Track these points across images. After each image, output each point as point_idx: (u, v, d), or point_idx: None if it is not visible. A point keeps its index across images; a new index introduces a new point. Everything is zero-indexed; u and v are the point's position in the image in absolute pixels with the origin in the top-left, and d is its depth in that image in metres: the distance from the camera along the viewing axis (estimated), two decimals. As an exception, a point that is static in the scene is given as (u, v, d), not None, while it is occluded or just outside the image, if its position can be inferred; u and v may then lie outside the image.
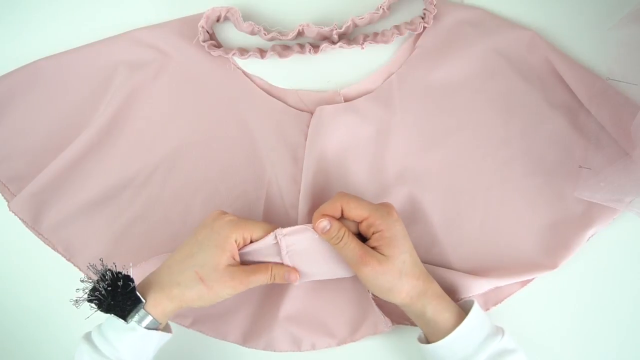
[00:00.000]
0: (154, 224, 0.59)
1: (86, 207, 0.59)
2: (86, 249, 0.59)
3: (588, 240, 0.56)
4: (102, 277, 0.48)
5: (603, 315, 0.57)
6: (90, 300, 0.47)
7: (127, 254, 0.59)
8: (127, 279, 0.48)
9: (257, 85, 0.61)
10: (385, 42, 0.58)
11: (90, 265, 0.49)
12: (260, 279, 0.52)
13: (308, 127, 0.60)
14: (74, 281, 0.57)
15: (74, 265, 0.59)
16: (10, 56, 0.61)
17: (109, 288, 0.47)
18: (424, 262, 0.54)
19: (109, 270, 0.48)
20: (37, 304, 0.62)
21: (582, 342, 0.57)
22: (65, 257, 0.59)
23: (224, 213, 0.53)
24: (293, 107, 0.60)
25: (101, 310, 0.47)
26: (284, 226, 0.53)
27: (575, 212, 0.56)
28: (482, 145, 0.58)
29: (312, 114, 0.60)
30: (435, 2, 0.57)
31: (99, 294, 0.47)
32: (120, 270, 0.48)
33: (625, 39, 0.55)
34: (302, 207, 0.58)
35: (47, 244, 0.59)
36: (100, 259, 0.49)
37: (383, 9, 0.58)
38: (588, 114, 0.56)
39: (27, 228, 0.59)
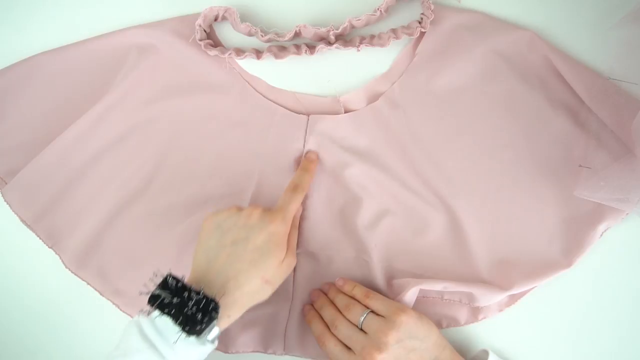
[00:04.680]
0: (138, 216, 0.59)
1: (72, 196, 0.59)
2: (70, 238, 0.59)
3: (601, 236, 0.55)
4: (177, 290, 0.47)
5: (606, 317, 0.57)
6: (163, 311, 0.46)
7: (110, 246, 0.59)
8: (212, 302, 0.47)
9: (255, 85, 0.61)
10: (382, 45, 0.58)
11: (169, 275, 0.48)
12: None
13: (305, 130, 0.59)
14: (74, 281, 0.58)
15: (56, 253, 0.59)
16: (7, 55, 0.62)
17: (179, 300, 0.46)
18: (440, 269, 0.57)
19: (179, 282, 0.47)
20: (37, 304, 0.62)
21: (587, 342, 0.58)
22: (47, 244, 0.59)
23: (251, 209, 0.53)
24: (290, 110, 0.60)
25: (176, 324, 0.46)
26: None
27: (586, 208, 0.56)
28: (488, 148, 0.58)
29: (309, 116, 0.59)
30: (432, 7, 0.57)
31: (174, 306, 0.46)
32: (201, 289, 0.47)
33: (626, 39, 0.54)
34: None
35: (32, 230, 0.59)
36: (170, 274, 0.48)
37: (380, 11, 0.58)
38: (589, 112, 0.56)
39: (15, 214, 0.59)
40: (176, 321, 0.46)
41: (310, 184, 0.57)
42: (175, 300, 0.46)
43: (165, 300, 0.46)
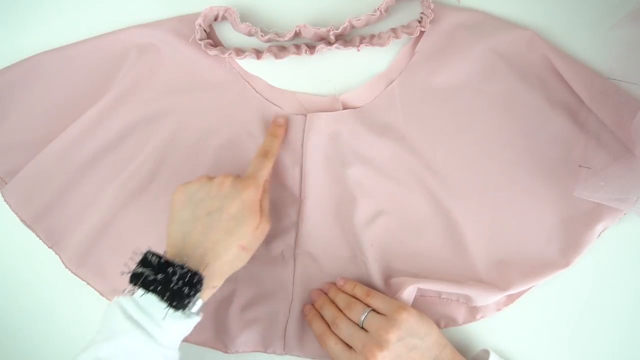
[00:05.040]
0: (138, 216, 0.59)
1: (71, 196, 0.59)
2: (70, 238, 0.59)
3: (599, 236, 0.55)
4: (160, 266, 0.47)
5: (604, 316, 0.58)
6: (147, 289, 0.46)
7: (110, 245, 0.59)
8: (196, 274, 0.47)
9: (255, 85, 0.61)
10: (382, 44, 0.58)
11: (148, 252, 0.47)
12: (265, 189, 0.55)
13: (303, 129, 0.59)
14: (74, 281, 0.58)
15: (55, 252, 0.59)
16: (7, 55, 0.62)
17: (163, 276, 0.46)
18: (437, 269, 0.57)
19: (160, 257, 0.47)
20: (37, 304, 0.62)
21: (586, 342, 0.58)
22: (47, 244, 0.59)
23: (222, 178, 0.52)
24: (290, 109, 0.60)
25: (162, 300, 0.46)
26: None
27: (584, 208, 0.56)
28: (487, 147, 0.58)
29: (306, 116, 0.59)
30: (432, 7, 0.57)
31: (159, 283, 0.46)
32: (184, 263, 0.47)
33: (626, 39, 0.54)
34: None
35: (31, 230, 0.59)
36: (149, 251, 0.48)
37: (380, 11, 0.58)
38: (588, 112, 0.56)
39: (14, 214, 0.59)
40: (162, 297, 0.46)
41: (279, 148, 0.57)
42: (159, 276, 0.46)
43: (148, 278, 0.46)
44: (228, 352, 0.58)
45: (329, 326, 0.55)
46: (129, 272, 0.47)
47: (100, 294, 0.59)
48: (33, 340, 0.62)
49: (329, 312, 0.56)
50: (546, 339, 0.58)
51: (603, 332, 0.58)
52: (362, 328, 0.53)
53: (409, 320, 0.52)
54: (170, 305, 0.46)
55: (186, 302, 0.46)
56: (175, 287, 0.46)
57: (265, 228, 0.53)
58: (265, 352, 0.58)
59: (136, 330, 0.46)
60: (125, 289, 0.47)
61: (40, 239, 0.59)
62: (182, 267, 0.47)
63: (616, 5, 0.57)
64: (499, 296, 0.56)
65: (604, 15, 0.58)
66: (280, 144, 0.58)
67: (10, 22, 0.63)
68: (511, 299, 0.58)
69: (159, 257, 0.47)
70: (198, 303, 0.48)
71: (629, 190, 0.49)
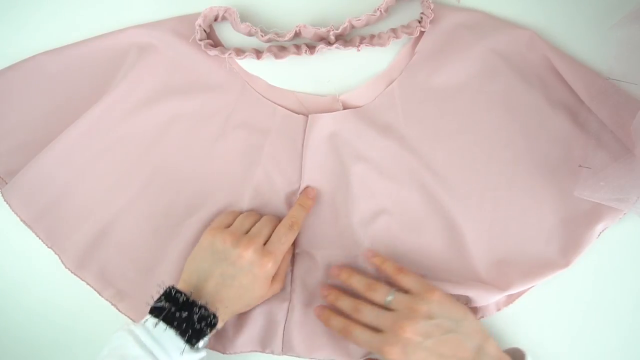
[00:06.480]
0: (138, 217, 0.59)
1: (71, 196, 0.59)
2: (70, 238, 0.59)
3: (599, 236, 0.55)
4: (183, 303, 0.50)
5: (604, 316, 0.58)
6: (169, 324, 0.49)
7: (110, 246, 0.59)
8: (215, 317, 0.50)
9: (255, 85, 0.61)
10: (382, 45, 0.58)
11: (172, 288, 0.51)
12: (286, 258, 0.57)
13: (304, 130, 0.59)
14: (74, 282, 0.58)
15: (55, 253, 0.59)
16: (7, 55, 0.62)
17: (186, 314, 0.49)
18: (437, 269, 0.57)
19: (185, 295, 0.50)
20: (37, 304, 0.62)
21: (586, 342, 0.58)
22: (47, 244, 0.59)
23: (243, 249, 0.53)
24: (290, 109, 0.60)
25: (179, 335, 0.49)
26: None
27: (584, 208, 0.56)
28: (486, 147, 0.58)
29: (308, 116, 0.59)
30: (432, 7, 0.58)
31: (181, 320, 0.49)
32: (206, 304, 0.51)
33: (626, 39, 0.54)
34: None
35: (31, 230, 0.59)
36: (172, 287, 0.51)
37: (380, 11, 0.58)
38: (588, 112, 0.56)
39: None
40: (183, 335, 0.49)
41: (304, 219, 0.58)
42: (184, 314, 0.49)
43: (171, 313, 0.49)
44: (226, 353, 0.58)
45: (347, 319, 0.54)
46: (149, 304, 0.50)
47: (100, 294, 0.59)
48: (33, 340, 0.62)
49: (346, 302, 0.55)
50: (546, 339, 0.58)
51: (603, 332, 0.58)
52: (387, 309, 0.52)
53: (442, 301, 0.52)
54: (188, 341, 0.49)
55: (200, 339, 0.49)
56: (198, 326, 0.49)
57: (275, 291, 0.57)
58: (263, 352, 0.58)
59: (148, 358, 0.48)
60: (145, 319, 0.50)
61: (40, 239, 0.59)
62: (205, 308, 0.50)
63: (616, 5, 0.57)
64: (499, 296, 0.56)
65: (604, 15, 0.58)
66: (306, 216, 0.58)
67: (10, 22, 0.63)
68: (511, 299, 0.58)
69: (184, 295, 0.50)
70: (205, 339, 0.51)
71: (629, 190, 0.49)
